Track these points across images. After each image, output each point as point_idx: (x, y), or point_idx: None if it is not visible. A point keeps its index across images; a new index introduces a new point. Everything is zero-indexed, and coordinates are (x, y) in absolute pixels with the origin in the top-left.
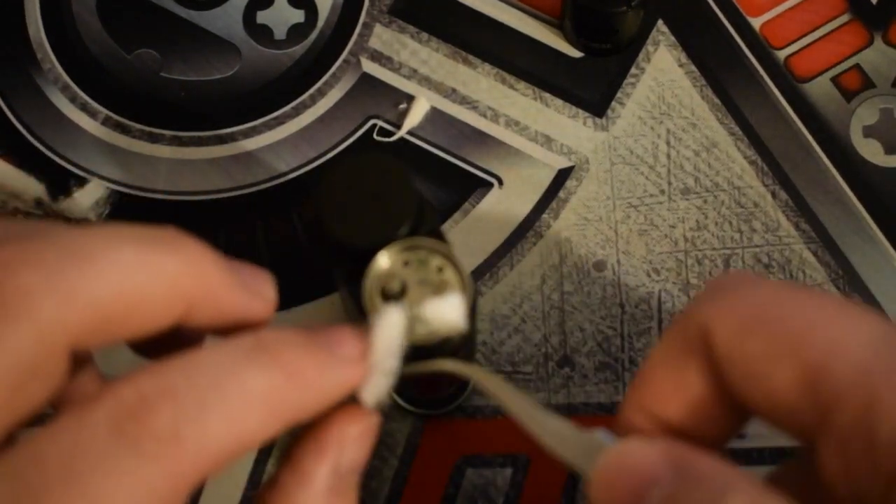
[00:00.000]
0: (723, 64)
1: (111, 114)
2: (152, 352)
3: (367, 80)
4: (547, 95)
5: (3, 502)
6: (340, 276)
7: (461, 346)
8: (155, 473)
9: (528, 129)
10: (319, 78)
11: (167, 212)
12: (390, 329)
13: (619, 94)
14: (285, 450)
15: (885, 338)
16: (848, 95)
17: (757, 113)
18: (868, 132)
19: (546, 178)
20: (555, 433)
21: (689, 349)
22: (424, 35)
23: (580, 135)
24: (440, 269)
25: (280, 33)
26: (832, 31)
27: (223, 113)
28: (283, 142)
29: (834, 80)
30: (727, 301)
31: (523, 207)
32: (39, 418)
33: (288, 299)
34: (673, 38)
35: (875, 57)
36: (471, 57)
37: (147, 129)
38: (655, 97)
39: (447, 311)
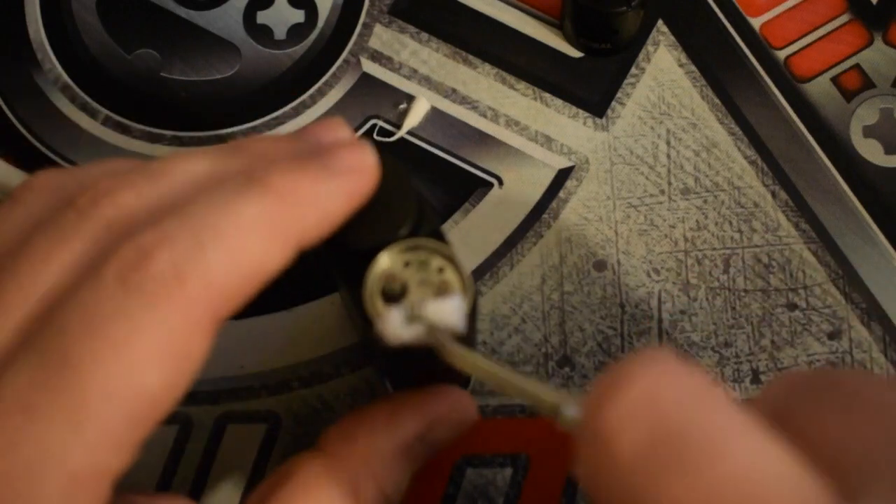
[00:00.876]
0: (723, 64)
1: (111, 114)
2: None
3: (367, 80)
4: (547, 95)
5: (37, 367)
6: (341, 277)
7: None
8: (167, 313)
9: (528, 129)
10: (319, 78)
11: None
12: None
13: (619, 94)
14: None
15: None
16: (848, 95)
17: (757, 113)
18: (868, 132)
19: (546, 178)
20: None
21: None
22: (424, 35)
23: (580, 135)
24: (441, 270)
25: (280, 33)
26: (832, 31)
27: (223, 113)
28: None
29: (834, 80)
30: None
31: (523, 207)
32: None
33: (288, 299)
34: (673, 38)
35: (875, 57)
36: (471, 57)
37: (147, 129)
38: (655, 97)
39: (448, 312)
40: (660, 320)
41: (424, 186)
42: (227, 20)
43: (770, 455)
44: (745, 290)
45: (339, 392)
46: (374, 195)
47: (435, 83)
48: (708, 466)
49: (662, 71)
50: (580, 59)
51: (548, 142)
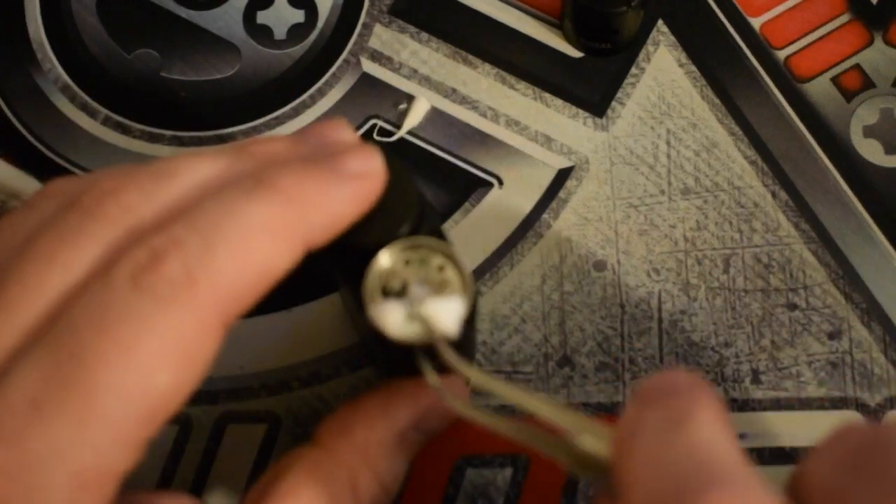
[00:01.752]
0: (723, 64)
1: (111, 114)
2: None
3: (367, 80)
4: (547, 95)
5: (46, 365)
6: (341, 275)
7: (461, 345)
8: (178, 315)
9: (528, 129)
10: (319, 78)
11: None
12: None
13: (619, 94)
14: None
15: None
16: (848, 95)
17: (757, 113)
18: (868, 132)
19: (546, 178)
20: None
21: None
22: (424, 35)
23: (580, 135)
24: (441, 269)
25: (280, 33)
26: (832, 31)
27: (223, 113)
28: None
29: (834, 80)
30: None
31: (523, 207)
32: None
33: (288, 299)
34: (673, 38)
35: (875, 57)
36: (471, 57)
37: (147, 129)
38: (655, 97)
39: (447, 310)
40: (660, 320)
41: (424, 186)
42: (227, 20)
43: None
44: (745, 290)
45: (339, 392)
46: None
47: (435, 83)
48: None
49: (662, 71)
50: (580, 59)
51: (548, 142)
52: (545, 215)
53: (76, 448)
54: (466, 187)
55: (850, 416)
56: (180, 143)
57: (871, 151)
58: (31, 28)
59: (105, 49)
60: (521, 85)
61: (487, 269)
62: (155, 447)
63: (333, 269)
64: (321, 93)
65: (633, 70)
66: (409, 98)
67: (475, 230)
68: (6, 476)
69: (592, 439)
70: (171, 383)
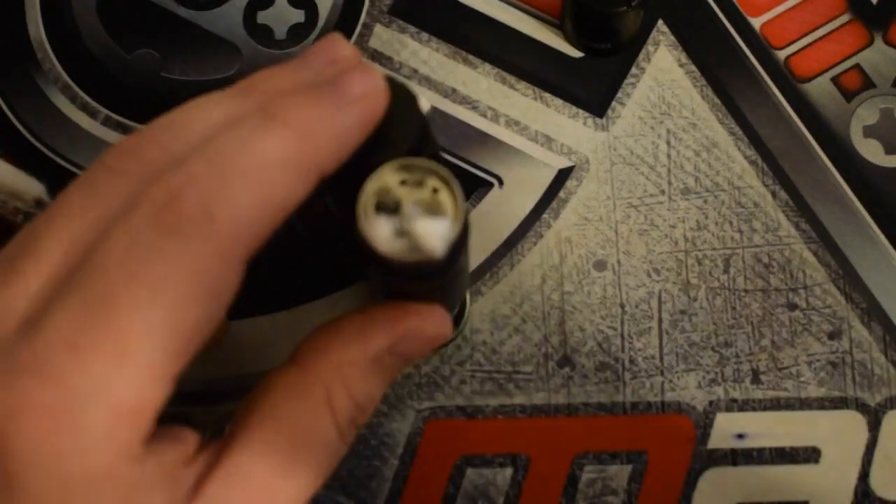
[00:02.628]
0: (723, 64)
1: (111, 114)
2: None
3: None
4: (547, 95)
5: (79, 308)
6: (337, 195)
7: (448, 268)
8: (200, 251)
9: (528, 129)
10: None
11: None
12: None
13: (619, 94)
14: (368, 308)
15: None
16: (848, 95)
17: (757, 113)
18: (868, 132)
19: (546, 178)
20: None
21: None
22: (424, 35)
23: (580, 135)
24: (436, 191)
25: (280, 33)
26: (832, 31)
27: None
28: None
29: (834, 79)
30: None
31: (523, 207)
32: None
33: (288, 299)
34: (673, 38)
35: (875, 57)
36: (471, 57)
37: None
38: (655, 97)
39: (436, 230)
40: (660, 320)
41: None
42: (227, 20)
43: None
44: (746, 290)
45: None
46: None
47: (435, 83)
48: None
49: (662, 71)
50: (580, 59)
51: (548, 142)
52: (545, 215)
53: (114, 385)
54: (467, 187)
55: (851, 415)
56: None
57: (871, 151)
58: (31, 28)
59: (105, 49)
60: (522, 85)
61: (487, 269)
62: None
63: (330, 188)
64: None
65: (634, 70)
66: None
67: (475, 230)
68: (50, 413)
69: None
70: (199, 318)
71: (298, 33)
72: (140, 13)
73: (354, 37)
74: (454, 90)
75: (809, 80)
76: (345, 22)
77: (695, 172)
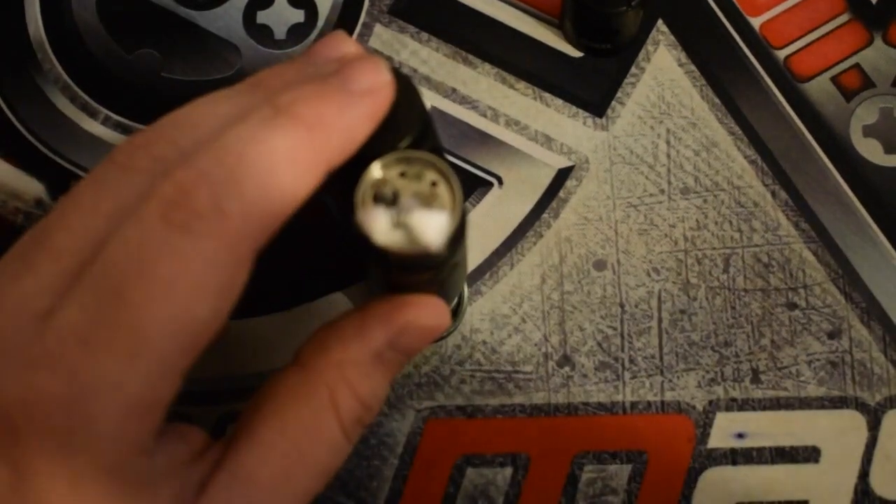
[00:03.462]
0: (723, 64)
1: (111, 114)
2: None
3: None
4: (547, 95)
5: (91, 303)
6: (336, 185)
7: (445, 261)
8: (211, 247)
9: (528, 129)
10: None
11: None
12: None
13: (619, 94)
14: (367, 306)
15: None
16: (848, 95)
17: (757, 113)
18: (868, 132)
19: (546, 178)
20: None
21: None
22: (424, 35)
23: (580, 134)
24: (434, 184)
25: (280, 33)
26: (832, 31)
27: None
28: None
29: (834, 79)
30: None
31: (523, 207)
32: None
33: (288, 299)
34: (673, 38)
35: (875, 57)
36: (471, 57)
37: None
38: (655, 97)
39: (433, 223)
40: (660, 320)
41: None
42: (227, 20)
43: None
44: (745, 290)
45: None
46: None
47: (435, 83)
48: None
49: (662, 70)
50: (580, 58)
51: (548, 141)
52: (545, 215)
53: (125, 380)
54: (466, 187)
55: (850, 415)
56: None
57: (871, 151)
58: (31, 28)
59: (105, 49)
60: (521, 85)
61: (487, 269)
62: None
63: (330, 180)
64: None
65: (633, 70)
66: None
67: (475, 230)
68: (62, 407)
69: None
70: (209, 313)
71: (298, 33)
72: (140, 13)
73: (354, 36)
74: (454, 90)
75: (809, 79)
76: (344, 22)
77: (694, 172)
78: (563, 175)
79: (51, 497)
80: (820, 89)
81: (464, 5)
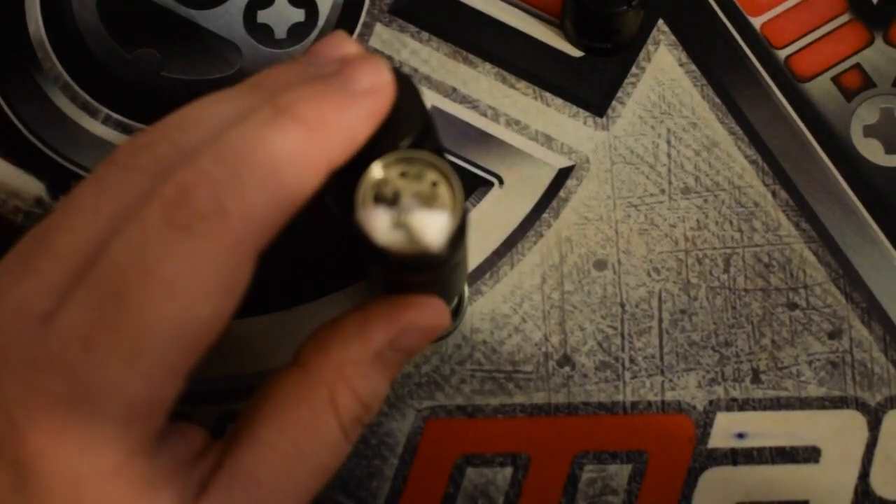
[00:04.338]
0: (723, 64)
1: (112, 113)
2: None
3: None
4: (547, 95)
5: (93, 304)
6: (337, 185)
7: (446, 261)
8: (213, 247)
9: (528, 129)
10: None
11: None
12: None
13: (619, 94)
14: (370, 305)
15: None
16: (848, 95)
17: (757, 113)
18: (868, 132)
19: (546, 178)
20: None
21: None
22: (425, 35)
23: (580, 134)
24: (435, 185)
25: (280, 32)
26: (833, 31)
27: None
28: None
29: (834, 79)
30: None
31: (523, 207)
32: None
33: (288, 299)
34: (673, 38)
35: (875, 57)
36: (471, 56)
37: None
38: (656, 97)
39: (433, 223)
40: (660, 319)
41: None
42: (227, 19)
43: None
44: (746, 290)
45: None
46: None
47: (435, 82)
48: None
49: (663, 70)
50: (580, 58)
51: (548, 141)
52: (545, 215)
53: (127, 381)
54: (467, 187)
55: (851, 415)
56: None
57: (872, 151)
58: (31, 28)
59: (105, 49)
60: (522, 84)
61: (487, 269)
62: None
63: (330, 186)
64: None
65: (634, 70)
66: None
67: (475, 230)
68: (64, 407)
69: None
70: (211, 314)
71: (299, 32)
72: (140, 12)
73: (355, 36)
74: (454, 90)
75: (809, 79)
76: (345, 21)
77: (695, 172)
78: (563, 175)
79: (53, 498)
80: (820, 89)
81: (464, 5)
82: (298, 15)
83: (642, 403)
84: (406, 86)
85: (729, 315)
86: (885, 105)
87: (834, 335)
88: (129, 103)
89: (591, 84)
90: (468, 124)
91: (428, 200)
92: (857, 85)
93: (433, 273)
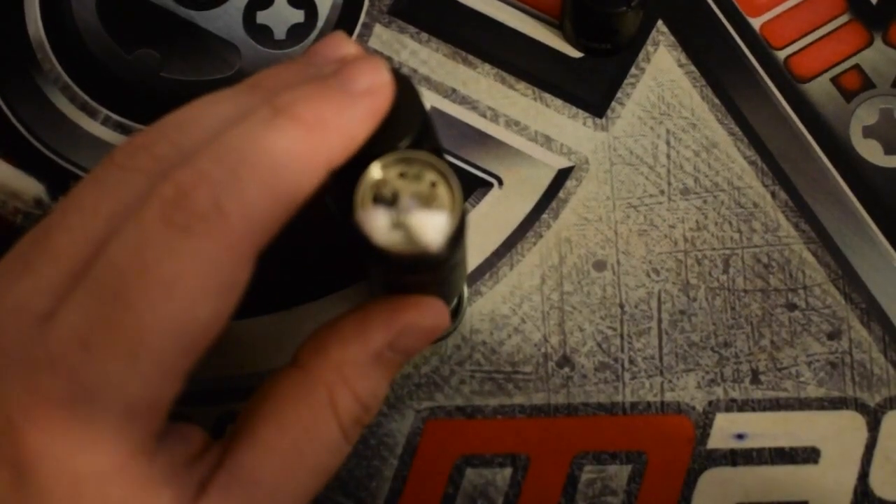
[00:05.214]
0: (723, 64)
1: (111, 113)
2: None
3: None
4: (547, 95)
5: (92, 305)
6: (336, 185)
7: (445, 261)
8: (212, 247)
9: (527, 130)
10: None
11: None
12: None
13: (618, 95)
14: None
15: None
16: (848, 95)
17: (757, 113)
18: (868, 132)
19: (546, 179)
20: None
21: None
22: (424, 35)
23: (580, 135)
24: (434, 185)
25: (280, 33)
26: (832, 31)
27: None
28: None
29: (834, 80)
30: None
31: (523, 207)
32: None
33: (288, 299)
34: (673, 39)
35: (875, 57)
36: (471, 57)
37: None
38: (655, 97)
39: (432, 224)
40: (659, 320)
41: None
42: (226, 20)
43: None
44: (745, 291)
45: None
46: None
47: (435, 83)
48: None
49: (662, 71)
50: (580, 59)
51: (547, 142)
52: (545, 215)
53: (126, 382)
54: (466, 187)
55: (850, 415)
56: None
57: (871, 151)
58: (31, 28)
59: (105, 49)
60: (521, 85)
61: (487, 269)
62: None
63: (329, 186)
64: None
65: (633, 70)
66: None
67: (475, 230)
68: (63, 408)
69: None
70: (210, 314)
71: (298, 33)
72: (140, 13)
73: (354, 37)
74: (454, 90)
75: (809, 80)
76: (344, 22)
77: (694, 173)
78: (562, 175)
79: (52, 498)
80: (820, 90)
81: (464, 5)
82: (298, 16)
83: (642, 404)
84: (405, 86)
85: (728, 316)
86: (885, 106)
87: (833, 336)
88: (129, 104)
89: (591, 85)
90: (467, 125)
91: (427, 201)
92: (856, 85)
93: (432, 273)
